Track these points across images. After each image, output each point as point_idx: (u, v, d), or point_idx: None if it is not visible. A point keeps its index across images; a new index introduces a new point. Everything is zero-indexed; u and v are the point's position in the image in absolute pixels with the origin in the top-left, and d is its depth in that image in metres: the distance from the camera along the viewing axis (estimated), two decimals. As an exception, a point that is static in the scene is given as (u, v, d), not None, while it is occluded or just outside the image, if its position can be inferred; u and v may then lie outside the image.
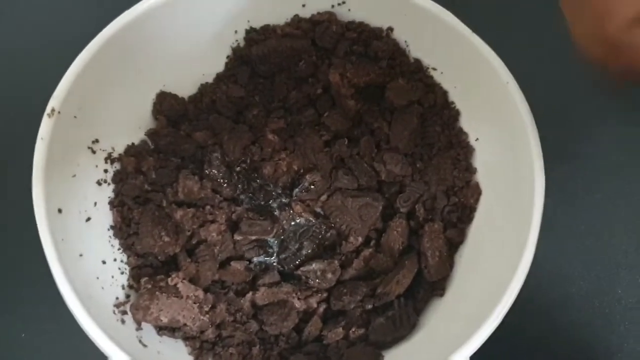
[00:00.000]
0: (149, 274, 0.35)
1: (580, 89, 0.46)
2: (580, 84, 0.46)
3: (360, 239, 0.38)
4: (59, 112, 0.32)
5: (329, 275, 0.37)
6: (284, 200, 0.40)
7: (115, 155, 0.37)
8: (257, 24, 0.40)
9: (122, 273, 0.35)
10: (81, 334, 0.30)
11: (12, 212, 0.40)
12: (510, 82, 0.34)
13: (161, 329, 0.34)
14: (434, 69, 0.39)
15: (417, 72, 0.39)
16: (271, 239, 0.39)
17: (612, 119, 0.46)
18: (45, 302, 0.39)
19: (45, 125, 0.31)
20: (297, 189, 0.40)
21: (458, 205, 0.37)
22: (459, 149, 0.38)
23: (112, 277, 0.34)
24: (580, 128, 0.45)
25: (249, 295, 0.36)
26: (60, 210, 0.32)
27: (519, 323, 0.38)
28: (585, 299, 0.42)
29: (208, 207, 0.38)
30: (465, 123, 0.39)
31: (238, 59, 0.40)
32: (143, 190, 0.37)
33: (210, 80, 0.41)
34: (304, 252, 0.39)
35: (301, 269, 0.37)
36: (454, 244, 0.37)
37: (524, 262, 0.31)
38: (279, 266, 0.38)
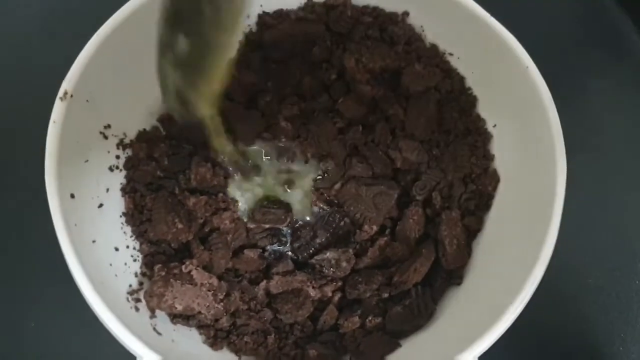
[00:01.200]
0: (161, 261, 0.34)
1: (598, 79, 0.45)
2: (599, 74, 0.45)
3: (375, 228, 0.37)
4: (71, 96, 0.31)
5: (344, 264, 0.36)
6: (297, 189, 0.39)
7: (127, 141, 0.36)
8: (270, 8, 0.39)
9: (134, 260, 0.35)
10: (91, 323, 0.29)
11: (24, 197, 0.39)
12: (530, 66, 0.33)
13: (175, 317, 0.33)
14: (451, 54, 0.38)
15: (434, 58, 0.38)
16: (285, 228, 0.38)
17: (629, 111, 0.45)
18: (54, 291, 0.39)
19: (58, 109, 0.31)
20: (310, 177, 0.39)
21: (476, 192, 0.37)
22: (476, 136, 0.37)
23: (125, 264, 0.34)
24: (596, 119, 0.45)
25: (263, 283, 0.36)
26: (72, 196, 0.31)
27: (534, 315, 0.37)
28: (602, 291, 0.41)
29: (221, 194, 0.37)
30: (483, 109, 0.38)
31: (250, 44, 0.40)
32: (155, 177, 0.37)
33: (222, 66, 0.40)
34: (318, 240, 0.38)
35: (315, 257, 0.37)
36: (471, 232, 0.36)
37: (544, 252, 0.30)
38: (293, 255, 0.38)
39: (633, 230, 0.42)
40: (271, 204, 0.38)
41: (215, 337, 0.34)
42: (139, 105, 0.37)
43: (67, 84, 0.31)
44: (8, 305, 0.39)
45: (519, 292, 0.30)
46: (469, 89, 0.38)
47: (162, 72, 0.28)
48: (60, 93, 0.31)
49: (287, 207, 0.39)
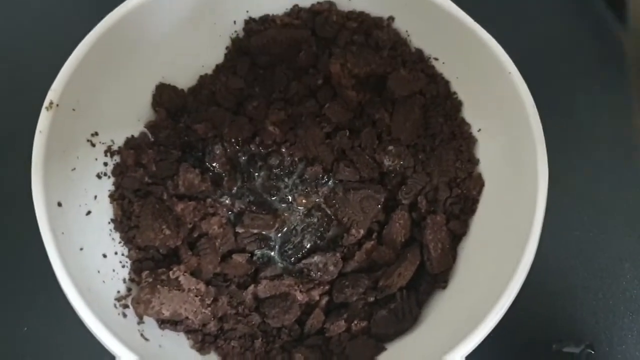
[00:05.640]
0: (150, 267, 0.35)
1: (583, 80, 0.46)
2: (583, 76, 0.46)
3: (362, 232, 0.38)
4: (57, 105, 0.32)
5: (331, 268, 0.37)
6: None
7: (115, 148, 0.37)
8: (256, 14, 0.39)
9: (123, 266, 0.35)
10: (82, 328, 0.30)
11: (11, 206, 0.40)
12: (513, 71, 0.34)
13: (163, 323, 0.34)
14: (436, 59, 0.38)
15: (419, 62, 0.39)
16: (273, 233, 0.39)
17: (614, 112, 0.45)
18: (47, 296, 0.39)
19: (44, 119, 0.31)
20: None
21: (461, 196, 0.37)
22: (461, 140, 0.38)
23: (113, 270, 0.34)
24: (582, 120, 0.45)
25: (251, 288, 0.36)
26: (60, 204, 0.32)
27: (521, 316, 0.38)
28: (589, 291, 0.41)
29: (209, 199, 0.38)
30: (468, 114, 0.38)
31: (237, 49, 0.40)
32: (143, 183, 0.37)
33: (209, 71, 0.40)
34: (305, 244, 0.38)
35: (303, 261, 0.37)
36: (456, 236, 0.37)
37: (527, 254, 0.31)
38: (281, 259, 0.38)
39: (618, 230, 0.42)
40: (260, 210, 0.39)
41: (203, 342, 0.34)
42: (127, 112, 0.38)
43: (52, 94, 0.31)
44: (0, 310, 0.40)
45: (501, 296, 0.30)
46: (454, 93, 0.38)
47: None
48: (46, 103, 0.31)
49: (275, 213, 0.39)
